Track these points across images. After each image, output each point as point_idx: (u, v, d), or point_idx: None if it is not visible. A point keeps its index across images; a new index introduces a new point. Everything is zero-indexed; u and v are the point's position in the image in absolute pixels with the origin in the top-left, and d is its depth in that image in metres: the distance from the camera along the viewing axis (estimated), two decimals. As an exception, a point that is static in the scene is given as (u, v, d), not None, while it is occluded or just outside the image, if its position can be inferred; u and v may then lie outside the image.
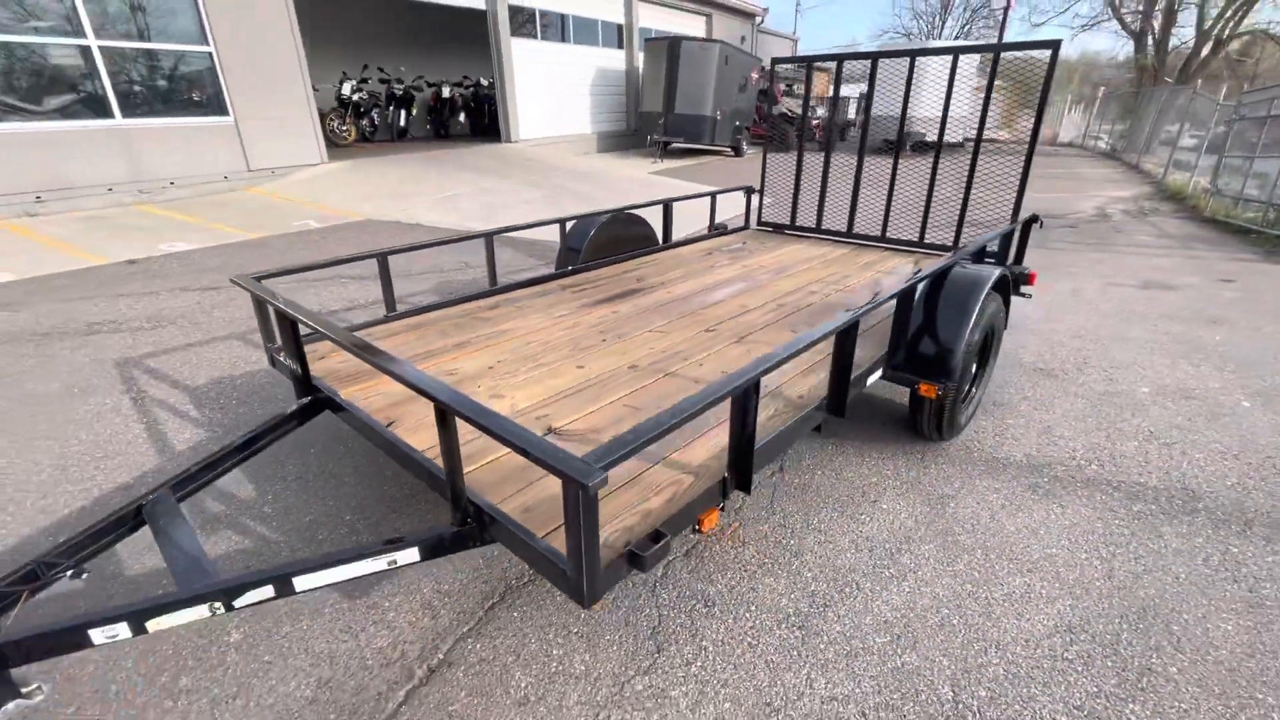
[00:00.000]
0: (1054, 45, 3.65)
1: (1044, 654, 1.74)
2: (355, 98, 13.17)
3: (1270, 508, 2.39)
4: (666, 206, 4.52)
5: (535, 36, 13.69)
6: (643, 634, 1.82)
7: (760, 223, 5.30)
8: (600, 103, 16.28)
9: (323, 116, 12.69)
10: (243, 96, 8.28)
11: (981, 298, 2.51)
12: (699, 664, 1.72)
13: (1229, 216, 8.34)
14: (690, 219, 6.05)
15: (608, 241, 4.11)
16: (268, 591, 1.52)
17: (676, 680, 1.67)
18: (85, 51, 6.98)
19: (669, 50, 14.45)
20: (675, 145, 16.13)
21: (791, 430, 2.00)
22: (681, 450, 1.86)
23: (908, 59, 4.26)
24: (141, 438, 2.82)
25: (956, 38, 44.36)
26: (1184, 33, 22.02)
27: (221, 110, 8.16)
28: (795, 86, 19.66)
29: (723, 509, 1.81)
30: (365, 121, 13.75)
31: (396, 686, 1.66)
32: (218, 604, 1.48)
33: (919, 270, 2.52)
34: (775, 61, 5.14)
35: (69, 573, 1.64)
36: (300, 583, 1.56)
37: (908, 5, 61.80)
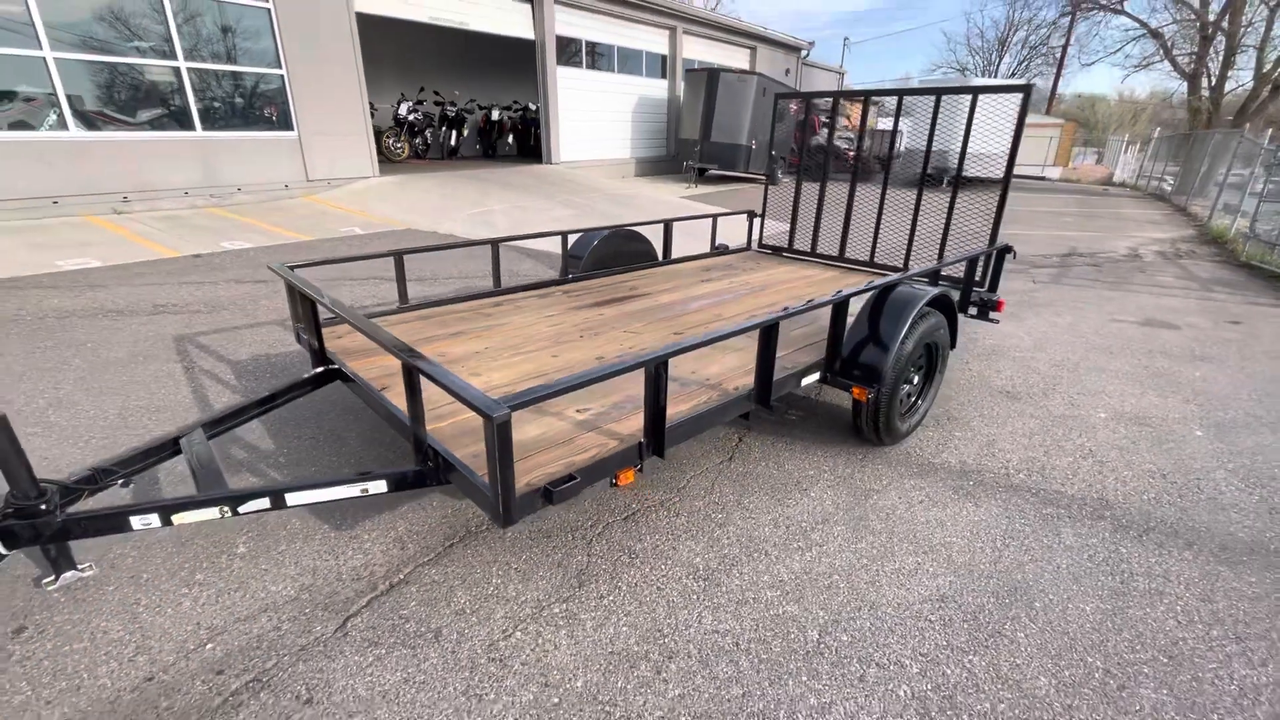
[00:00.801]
0: (1025, 89, 3.91)
1: (910, 615, 1.99)
2: (410, 118, 14.14)
3: (1175, 520, 2.56)
4: (667, 226, 4.90)
5: (581, 65, 14.45)
6: (570, 574, 2.15)
7: (760, 245, 5.62)
8: (641, 129, 16.94)
9: (380, 134, 13.70)
10: (307, 114, 9.14)
11: (914, 313, 2.78)
12: (611, 598, 2.04)
13: (1263, 261, 8.22)
14: (701, 241, 6.40)
15: (609, 255, 4.51)
16: (265, 503, 1.93)
17: (588, 608, 2.00)
18: (176, 71, 7.91)
19: (708, 81, 15.01)
20: (713, 171, 16.61)
21: (715, 411, 2.32)
22: (614, 422, 2.21)
23: (931, 96, 4.52)
24: (188, 398, 3.33)
25: (1012, 74, 43.98)
26: (1242, 75, 21.42)
27: (288, 126, 9.03)
28: (835, 120, 19.94)
29: (640, 470, 2.13)
30: (418, 140, 14.70)
31: (362, 594, 2.03)
32: (227, 508, 1.89)
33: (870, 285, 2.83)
34: (779, 96, 5.51)
35: (119, 481, 2.09)
36: (291, 498, 1.96)
37: (964, 41, 61.40)
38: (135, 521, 1.84)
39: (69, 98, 7.15)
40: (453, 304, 3.66)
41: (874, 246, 4.89)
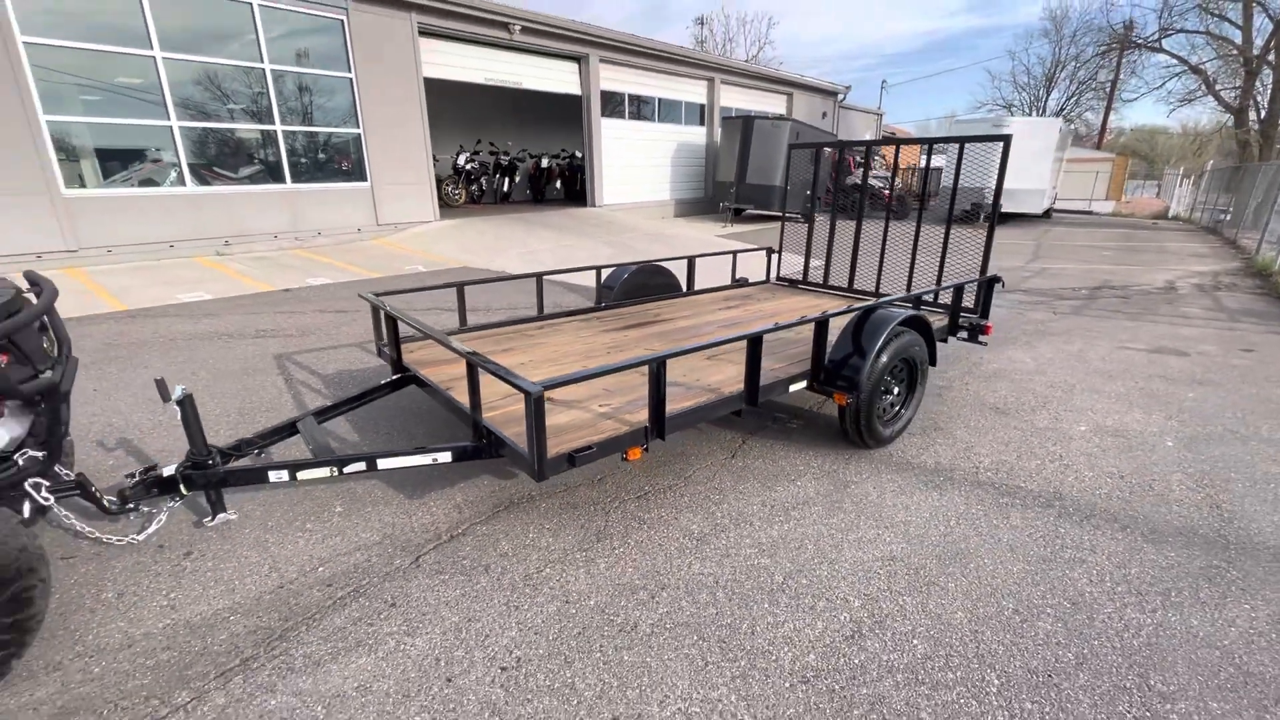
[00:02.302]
0: (1005, 139, 4.40)
1: (862, 568, 2.45)
2: (467, 167, 15.45)
3: (1117, 510, 2.92)
4: (690, 261, 5.52)
5: (624, 116, 15.54)
6: (591, 533, 2.71)
7: (779, 278, 6.16)
8: (680, 172, 17.88)
9: (440, 182, 15.01)
10: (379, 166, 10.32)
11: (886, 332, 3.27)
12: (621, 550, 2.58)
13: (1301, 292, 8.22)
14: (727, 274, 6.98)
15: (636, 287, 5.15)
16: (362, 466, 2.57)
17: (603, 555, 2.54)
18: (273, 134, 9.18)
19: (743, 127, 15.87)
20: (750, 211, 17.32)
21: (711, 406, 2.87)
22: (627, 414, 2.78)
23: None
24: (290, 400, 4.08)
25: (1061, 109, 43.63)
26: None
27: (362, 177, 10.21)
28: (870, 160, 20.45)
29: (646, 449, 2.66)
30: (475, 187, 15.99)
31: (430, 542, 2.63)
32: (335, 468, 2.55)
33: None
34: (792, 147, 6.12)
35: (256, 450, 2.79)
36: (382, 463, 2.60)
37: (1009, 78, 61.20)
38: (271, 475, 2.51)
39: (187, 158, 8.43)
40: (502, 326, 4.34)
41: (879, 277, 5.38)
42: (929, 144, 5.05)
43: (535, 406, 2.18)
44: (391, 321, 3.40)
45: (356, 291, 7.19)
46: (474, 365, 2.46)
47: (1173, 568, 2.47)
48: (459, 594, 2.30)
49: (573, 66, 13.85)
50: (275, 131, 9.19)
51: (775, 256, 6.17)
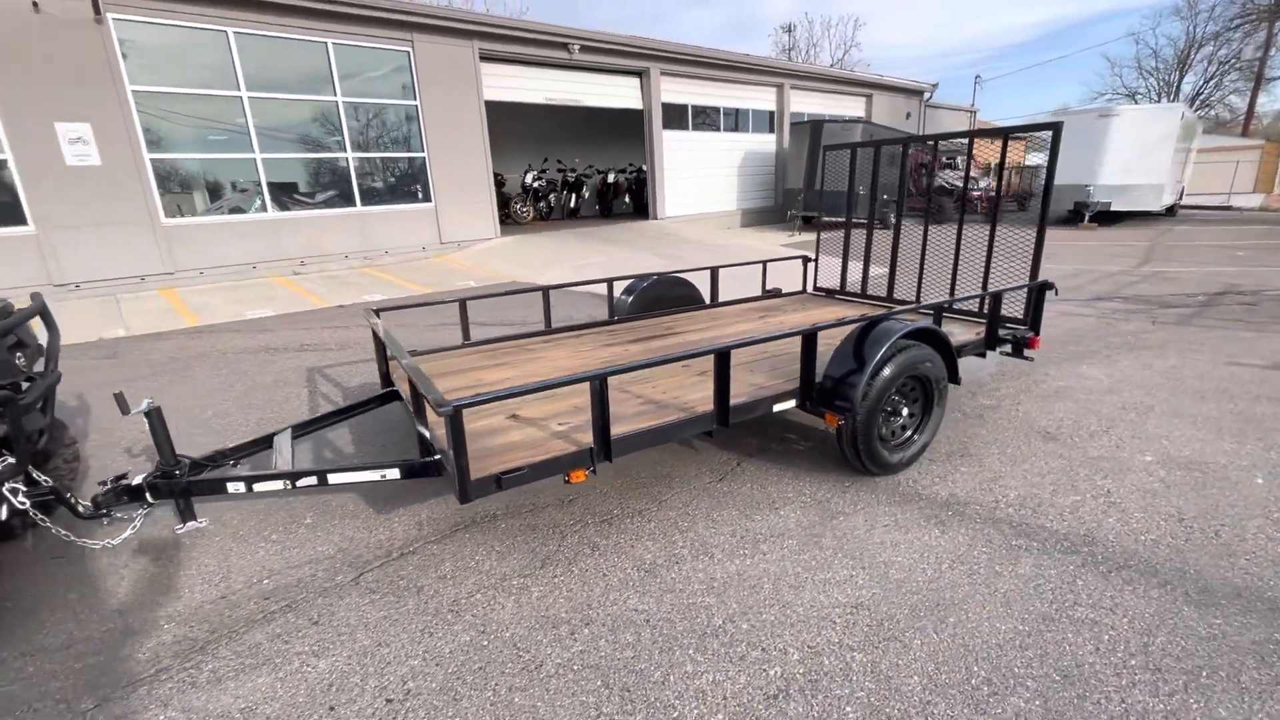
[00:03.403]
0: (1055, 127, 3.90)
1: (817, 615, 2.16)
2: (535, 185, 15.92)
3: (1162, 561, 2.42)
4: (713, 272, 5.30)
5: (687, 128, 15.44)
6: (538, 557, 2.58)
7: (815, 288, 5.80)
8: (747, 181, 17.50)
9: (509, 200, 15.57)
10: (443, 187, 10.82)
11: (885, 345, 2.93)
12: (562, 578, 2.43)
13: None
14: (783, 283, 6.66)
15: (652, 300, 4.99)
16: (314, 480, 2.59)
17: (541, 582, 2.41)
18: (345, 161, 9.88)
19: (811, 131, 15.31)
20: (825, 219, 16.65)
21: (676, 426, 2.67)
22: (585, 433, 2.63)
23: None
24: (305, 414, 4.27)
25: (1197, 94, 38.97)
26: None
27: (427, 198, 10.75)
28: (958, 159, 19.11)
29: (593, 471, 2.50)
30: (542, 204, 16.44)
31: (378, 559, 2.61)
32: (289, 481, 2.58)
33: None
34: (826, 149, 5.75)
35: (231, 462, 2.90)
36: (332, 478, 2.61)
37: (1132, 64, 55.41)
38: (229, 487, 2.59)
39: (268, 186, 9.23)
40: (505, 341, 4.33)
41: (919, 286, 4.92)
42: (970, 138, 4.58)
43: (450, 426, 2.10)
44: (379, 341, 3.47)
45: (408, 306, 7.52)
46: (411, 379, 2.43)
47: (1214, 639, 1.99)
48: (381, 615, 2.24)
49: (633, 81, 13.95)
50: (347, 159, 9.87)
51: (812, 265, 5.82)
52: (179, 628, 2.21)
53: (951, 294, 4.67)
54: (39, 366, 2.57)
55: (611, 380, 3.34)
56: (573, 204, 17.02)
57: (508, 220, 15.50)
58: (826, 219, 17.34)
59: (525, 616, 2.21)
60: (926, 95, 23.49)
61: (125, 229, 8.00)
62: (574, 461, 2.44)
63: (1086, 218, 16.28)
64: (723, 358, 2.68)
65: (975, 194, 18.48)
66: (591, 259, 10.29)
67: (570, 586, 2.38)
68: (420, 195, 10.73)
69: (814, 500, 2.99)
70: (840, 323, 3.10)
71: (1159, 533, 2.62)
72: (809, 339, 2.96)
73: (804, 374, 3.01)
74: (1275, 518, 2.71)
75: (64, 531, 2.50)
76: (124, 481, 2.55)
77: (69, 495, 2.46)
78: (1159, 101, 36.62)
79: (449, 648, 2.07)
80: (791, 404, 3.04)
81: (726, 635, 2.08)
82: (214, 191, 9.02)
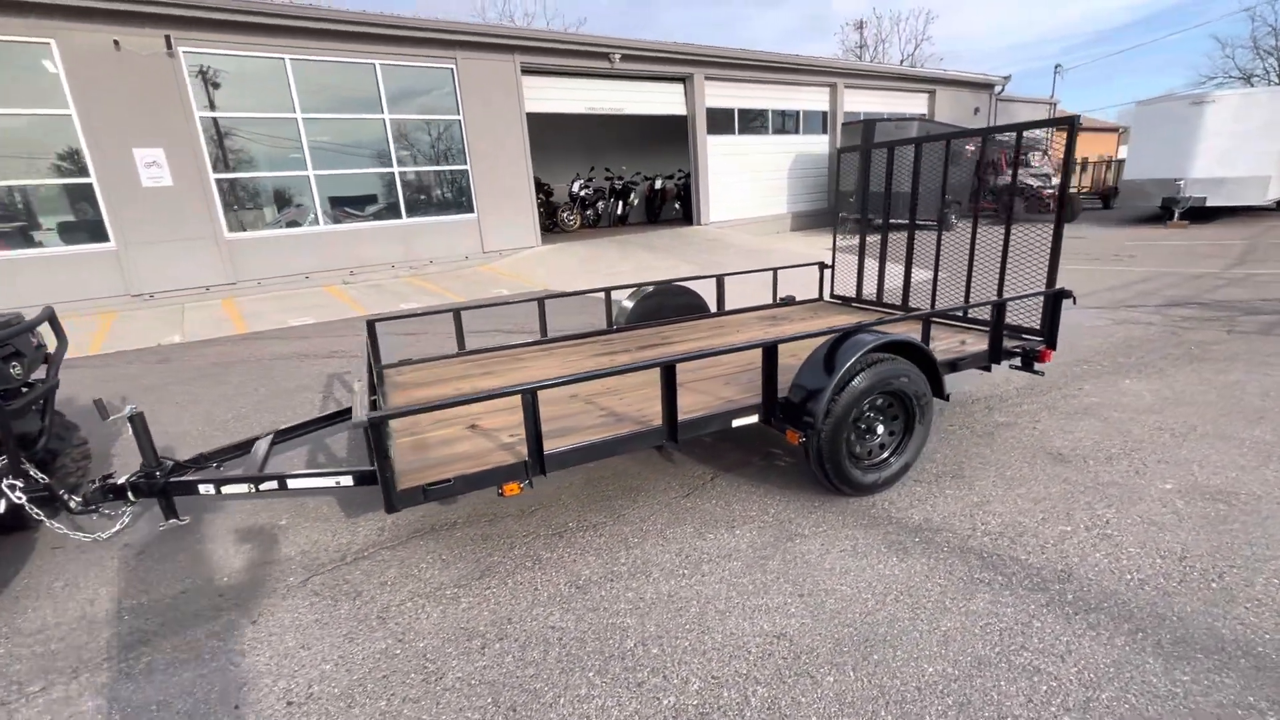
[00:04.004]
0: (1071, 121, 3.60)
1: (735, 644, 2.07)
2: (582, 194, 16.16)
3: (1141, 605, 2.16)
4: (719, 280, 5.19)
5: (733, 132, 15.26)
6: (479, 568, 2.60)
7: (832, 296, 5.58)
8: (799, 184, 17.09)
9: (556, 209, 15.88)
10: (485, 198, 11.17)
11: (851, 359, 2.77)
12: (494, 590, 2.44)
13: None
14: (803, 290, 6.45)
15: (653, 309, 4.94)
16: (274, 484, 2.72)
17: (473, 593, 2.43)
18: (391, 175, 10.38)
19: (863, 131, 14.77)
20: (877, 221, 16.03)
21: (619, 441, 2.63)
22: (521, 445, 2.65)
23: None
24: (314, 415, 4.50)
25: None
26: None
27: (469, 209, 11.13)
28: (1030, 156, 17.91)
29: (528, 484, 2.49)
30: (589, 212, 16.66)
31: (331, 562, 2.71)
32: (252, 485, 2.72)
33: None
34: (841, 150, 5.53)
35: (215, 464, 3.09)
36: (291, 483, 2.72)
37: (1248, 43, 50.12)
38: (201, 488, 2.75)
39: (321, 201, 9.83)
40: (499, 350, 4.40)
41: (934, 294, 4.65)
42: (984, 134, 4.29)
43: (371, 436, 2.16)
44: (367, 355, 3.62)
45: (435, 315, 7.81)
46: (375, 388, 2.51)
47: (1172, 699, 1.75)
48: (314, 619, 2.33)
49: (676, 88, 13.93)
50: (393, 173, 10.38)
51: (829, 272, 5.62)
52: (136, 619, 2.37)
53: (966, 300, 4.39)
54: (40, 374, 2.84)
55: (578, 391, 3.35)
56: (619, 211, 17.15)
57: (555, 229, 15.81)
58: (880, 221, 16.72)
59: (446, 627, 2.24)
60: (998, 88, 22.20)
61: (193, 244, 8.73)
62: (508, 475, 2.44)
63: (1176, 214, 14.87)
64: (669, 370, 2.62)
65: (1047, 192, 17.25)
66: (623, 266, 10.33)
67: (500, 599, 2.39)
68: (464, 207, 11.12)
69: (775, 520, 2.87)
70: (806, 335, 2.98)
71: (1150, 572, 2.34)
72: (769, 351, 2.84)
73: (765, 388, 2.89)
74: (1300, 560, 2.37)
75: (57, 525, 2.73)
76: (110, 480, 2.77)
77: (61, 492, 2.69)
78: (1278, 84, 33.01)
79: (363, 654, 2.12)
80: (753, 419, 2.92)
81: (633, 659, 2.02)
82: (272, 207, 9.69)
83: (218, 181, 8.91)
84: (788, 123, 16.67)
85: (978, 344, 3.73)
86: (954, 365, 3.48)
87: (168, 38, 8.09)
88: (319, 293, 9.32)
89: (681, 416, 2.76)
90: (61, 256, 8.08)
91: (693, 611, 2.25)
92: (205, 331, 7.21)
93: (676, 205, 18.83)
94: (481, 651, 2.10)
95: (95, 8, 7.61)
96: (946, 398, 3.20)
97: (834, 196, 18.14)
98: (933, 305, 4.62)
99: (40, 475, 2.72)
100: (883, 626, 2.11)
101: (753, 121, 15.83)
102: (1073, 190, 20.41)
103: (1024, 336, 3.89)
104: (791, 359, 3.04)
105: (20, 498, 2.58)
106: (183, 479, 2.81)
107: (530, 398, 2.37)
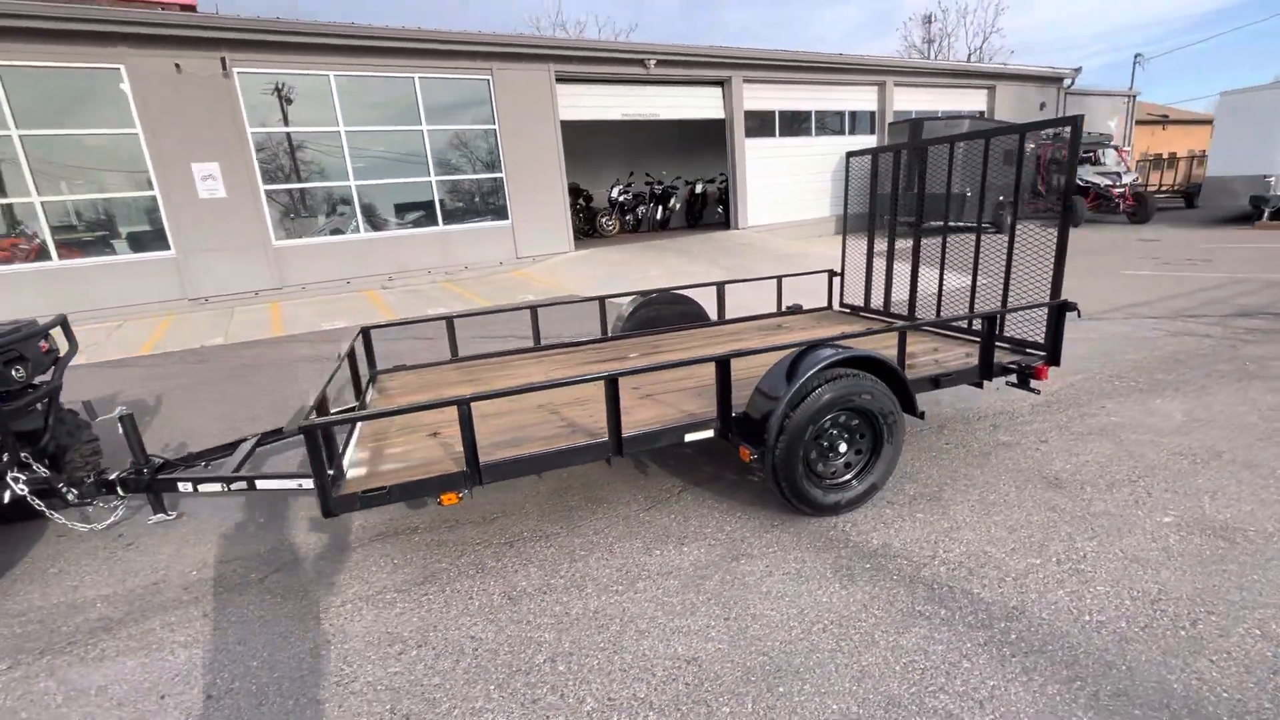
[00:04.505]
0: (1074, 121, 3.37)
1: (642, 665, 2.03)
2: (621, 199, 16.26)
3: (1091, 650, 1.98)
4: (719, 288, 5.12)
5: (773, 134, 15.00)
6: (424, 574, 2.66)
7: (841, 304, 5.41)
8: (842, 186, 16.60)
9: (595, 215, 16.04)
10: (519, 205, 11.42)
11: (806, 375, 2.68)
12: (431, 598, 2.49)
13: None
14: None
15: (649, 319, 4.92)
16: (244, 485, 2.88)
17: (409, 599, 2.48)
18: (428, 184, 10.76)
19: (910, 130, 14.23)
20: (930, 225, 15.39)
21: (564, 453, 2.64)
22: (483, 453, 2.68)
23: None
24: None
25: None
26: None
27: (504, 216, 11.40)
28: (1098, 153, 16.76)
29: (468, 494, 2.53)
30: (629, 217, 16.74)
31: (293, 560, 2.84)
32: (225, 485, 2.89)
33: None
34: (849, 155, 5.35)
35: (204, 463, 3.29)
36: (259, 484, 2.87)
37: (1368, 24, 45.03)
38: (180, 485, 2.95)
39: (362, 210, 10.31)
40: (492, 357, 4.49)
41: (939, 303, 4.46)
42: (987, 137, 4.07)
43: (308, 444, 2.25)
44: (363, 350, 3.79)
45: (461, 321, 8.04)
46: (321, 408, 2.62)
47: (1090, 758, 1.60)
48: (259, 615, 2.44)
49: (714, 91, 13.82)
50: (430, 182, 10.76)
51: (838, 280, 5.46)
52: (106, 607, 2.56)
53: (971, 306, 4.17)
54: (46, 376, 3.10)
55: (548, 400, 3.38)
56: (659, 216, 17.15)
57: (594, 234, 15.96)
58: (934, 224, 16.01)
59: (374, 631, 2.30)
60: (1067, 82, 20.92)
61: (244, 251, 9.34)
62: (447, 484, 2.49)
63: (1266, 214, 13.56)
64: (612, 384, 2.61)
65: (1116, 191, 16.09)
66: (653, 271, 10.33)
67: (432, 606, 2.44)
68: (498, 213, 11.41)
69: (728, 538, 2.80)
70: (762, 349, 2.91)
71: (1113, 614, 2.15)
72: (722, 365, 2.78)
73: (720, 402, 2.84)
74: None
75: (57, 515, 2.98)
76: (104, 476, 2.99)
77: (60, 485, 2.93)
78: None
79: (290, 653, 2.21)
80: (708, 434, 2.87)
81: (538, 675, 2.02)
82: (317, 216, 10.24)
83: (267, 193, 9.50)
84: (833, 123, 16.24)
85: (972, 358, 3.53)
86: (936, 382, 3.30)
87: (223, 60, 8.69)
88: (357, 297, 9.76)
89: (633, 430, 2.75)
90: (129, 263, 8.81)
91: (613, 630, 2.23)
92: (246, 334, 7.68)
93: (720, 209, 18.69)
94: (398, 657, 2.15)
95: (160, 34, 8.27)
96: (922, 416, 3.04)
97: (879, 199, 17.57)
98: (938, 314, 4.41)
99: (42, 469, 2.97)
100: (800, 657, 2.03)
101: (795, 123, 15.51)
102: (1148, 189, 18.98)
103: (1028, 351, 3.65)
104: (744, 373, 2.97)
105: (22, 489, 2.83)
106: (166, 477, 3.01)
107: (465, 409, 2.41)
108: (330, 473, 2.56)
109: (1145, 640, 2.02)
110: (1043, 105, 20.58)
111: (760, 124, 14.75)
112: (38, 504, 2.91)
